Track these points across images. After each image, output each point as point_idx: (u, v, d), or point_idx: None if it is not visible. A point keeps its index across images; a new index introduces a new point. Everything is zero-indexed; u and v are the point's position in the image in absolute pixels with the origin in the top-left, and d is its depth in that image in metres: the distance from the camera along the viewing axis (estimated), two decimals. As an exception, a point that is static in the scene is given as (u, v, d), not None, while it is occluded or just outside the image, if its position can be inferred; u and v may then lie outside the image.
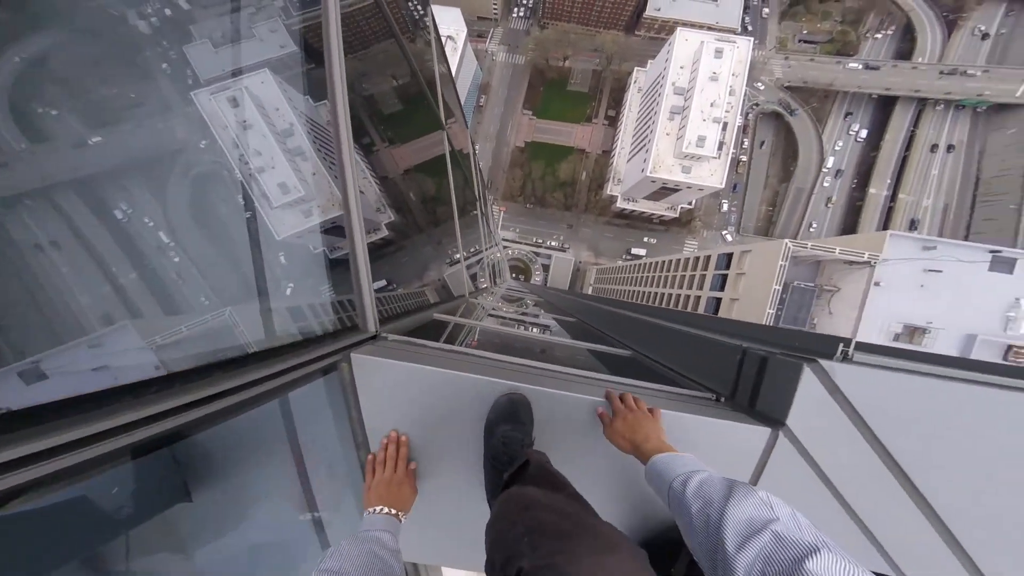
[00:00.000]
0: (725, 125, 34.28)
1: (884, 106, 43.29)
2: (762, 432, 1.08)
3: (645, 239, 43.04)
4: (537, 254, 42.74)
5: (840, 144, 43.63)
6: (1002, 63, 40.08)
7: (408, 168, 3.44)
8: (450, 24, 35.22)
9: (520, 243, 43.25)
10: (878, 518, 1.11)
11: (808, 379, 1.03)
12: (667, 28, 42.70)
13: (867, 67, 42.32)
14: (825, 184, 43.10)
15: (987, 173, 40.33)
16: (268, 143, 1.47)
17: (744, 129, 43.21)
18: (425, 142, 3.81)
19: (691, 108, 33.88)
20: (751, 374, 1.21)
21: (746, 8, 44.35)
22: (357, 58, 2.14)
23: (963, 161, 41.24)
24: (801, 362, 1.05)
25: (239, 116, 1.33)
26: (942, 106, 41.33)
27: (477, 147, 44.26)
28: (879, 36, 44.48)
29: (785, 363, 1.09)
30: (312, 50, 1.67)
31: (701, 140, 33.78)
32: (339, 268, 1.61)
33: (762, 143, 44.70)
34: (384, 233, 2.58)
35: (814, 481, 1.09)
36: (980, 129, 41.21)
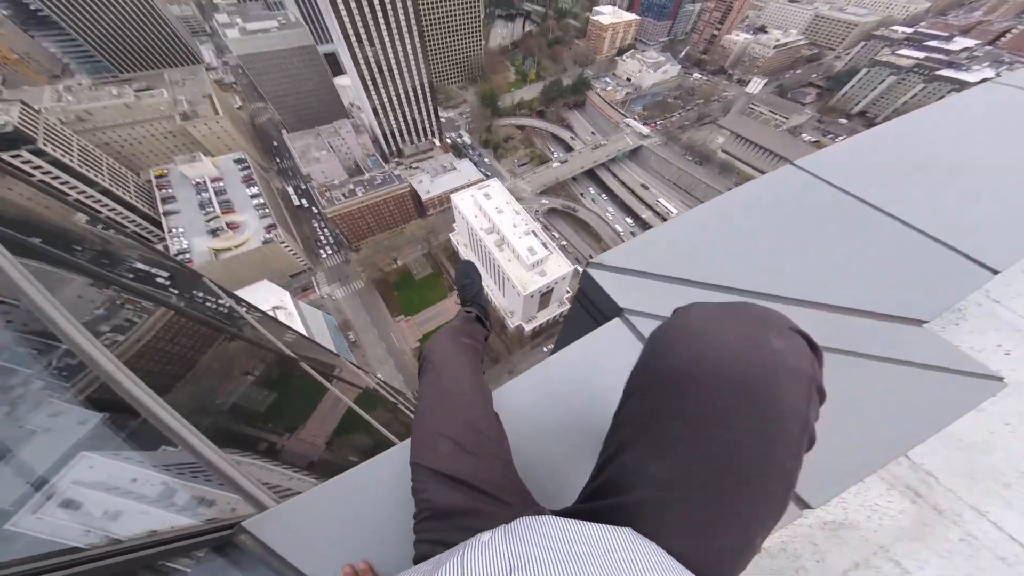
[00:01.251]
0: (535, 232, 43.59)
1: (591, 175, 63.78)
2: (616, 323, 1.17)
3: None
4: None
5: (596, 205, 60.91)
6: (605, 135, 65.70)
7: (327, 438, 3.10)
8: (268, 296, 34.51)
9: None
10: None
11: (599, 275, 1.22)
12: (444, 200, 52.39)
13: (561, 162, 62.02)
14: (618, 227, 57.85)
15: (673, 179, 62.89)
16: (153, 518, 1.20)
17: (547, 227, 54.93)
18: (324, 405, 3.45)
19: (506, 235, 40.60)
20: (587, 301, 1.32)
21: (476, 164, 60.70)
22: (189, 381, 1.95)
23: (655, 177, 62.74)
24: (585, 270, 1.28)
25: (94, 511, 1.04)
26: (612, 162, 64.28)
27: (379, 374, 43.15)
28: (549, 145, 68.32)
29: (585, 277, 1.29)
30: (124, 403, 1.20)
31: (531, 250, 40.92)
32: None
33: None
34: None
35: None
36: (640, 163, 64.47)
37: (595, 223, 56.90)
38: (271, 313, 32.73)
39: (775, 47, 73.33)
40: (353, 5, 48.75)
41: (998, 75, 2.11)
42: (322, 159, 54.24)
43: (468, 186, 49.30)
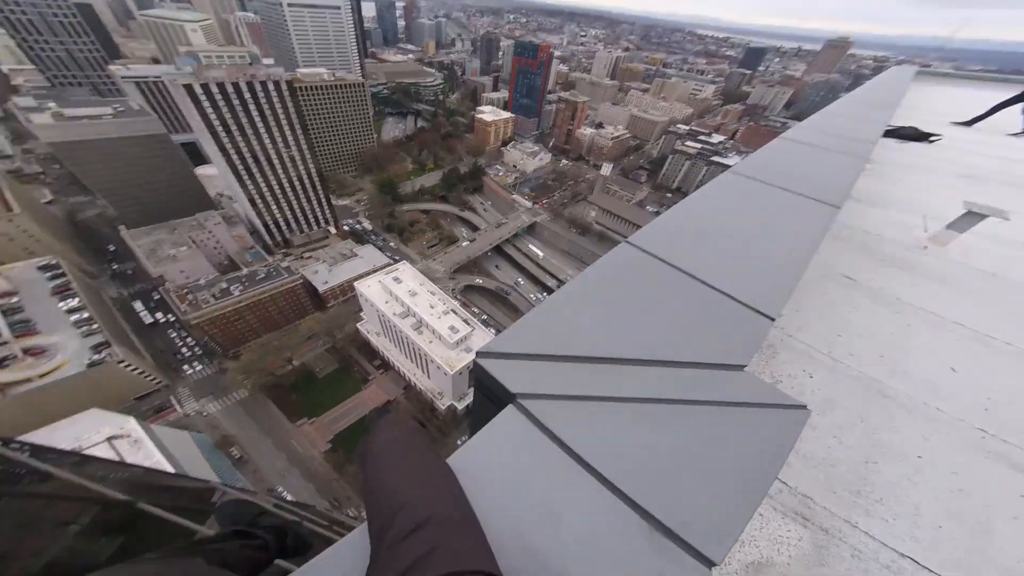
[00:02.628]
0: (454, 310, 42.58)
1: (499, 250, 68.17)
2: (510, 409, 1.12)
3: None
4: None
5: (507, 276, 64.66)
6: (505, 215, 73.06)
7: None
8: (97, 428, 25.53)
9: None
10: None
11: (490, 365, 1.18)
12: (347, 289, 48.23)
13: (470, 241, 66.26)
14: (532, 295, 61.36)
15: (567, 249, 71.14)
16: None
17: (465, 305, 54.44)
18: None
19: (423, 317, 38.83)
20: (482, 385, 1.27)
21: (381, 248, 59.17)
22: None
23: (555, 251, 70.17)
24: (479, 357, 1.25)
25: None
26: (513, 239, 69.82)
27: (280, 488, 33.23)
28: (456, 226, 71.92)
29: (476, 365, 1.24)
30: None
31: (453, 328, 39.66)
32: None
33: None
34: None
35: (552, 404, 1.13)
36: (537, 236, 71.90)
37: (513, 297, 58.61)
38: (105, 446, 23.96)
39: (611, 139, 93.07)
40: (219, 98, 45.37)
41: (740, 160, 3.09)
42: (180, 256, 45.45)
43: (374, 271, 46.84)
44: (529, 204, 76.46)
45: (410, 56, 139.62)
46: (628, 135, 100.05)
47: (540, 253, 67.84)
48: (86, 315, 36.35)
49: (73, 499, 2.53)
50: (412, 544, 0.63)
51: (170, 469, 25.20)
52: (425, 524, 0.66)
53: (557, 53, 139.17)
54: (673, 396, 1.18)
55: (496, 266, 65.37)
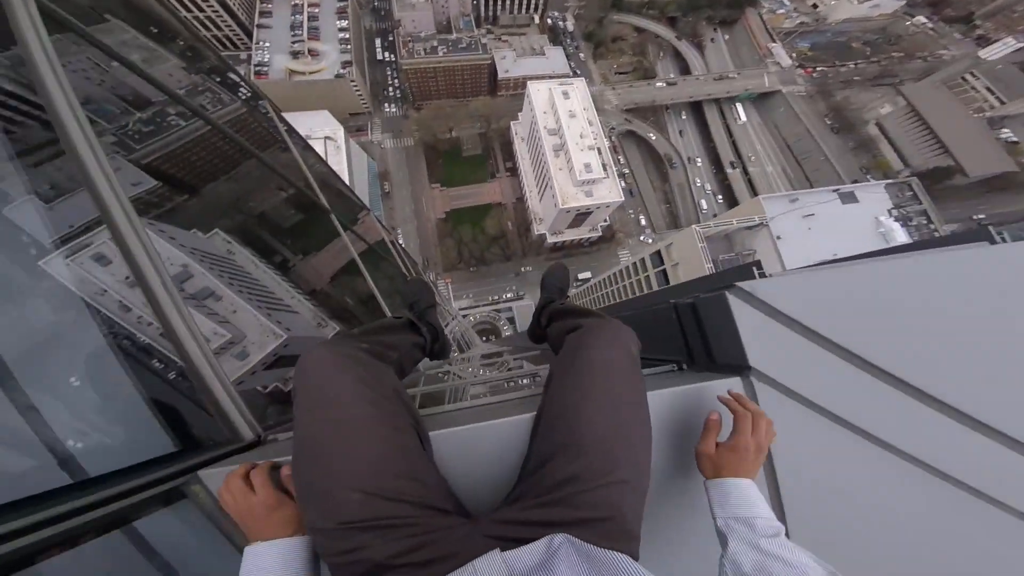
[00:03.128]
0: (599, 149, 38.54)
1: (696, 108, 54.58)
2: (734, 383, 0.96)
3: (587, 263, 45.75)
4: (498, 311, 42.82)
5: (683, 141, 53.26)
6: (740, 68, 54.73)
7: (334, 273, 3.27)
8: (324, 126, 36.03)
9: (478, 307, 43.36)
10: (887, 426, 0.95)
11: (739, 308, 0.96)
12: (520, 84, 48.65)
13: (668, 84, 53.32)
14: (696, 177, 51.05)
15: (790, 140, 51.87)
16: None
17: (615, 149, 49.79)
18: (339, 243, 3.59)
19: (567, 143, 38.03)
20: (693, 328, 1.12)
21: (568, 56, 53.82)
22: (233, 178, 2.13)
23: (771, 134, 52.66)
24: (722, 292, 0.98)
25: (117, 273, 1.08)
26: (729, 102, 53.62)
27: (399, 230, 44.37)
28: (663, 60, 57.34)
29: (709, 301, 1.04)
30: (176, 179, 1.56)
31: (587, 167, 37.50)
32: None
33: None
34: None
35: (808, 415, 0.96)
36: (764, 112, 53.99)
37: (676, 172, 50.65)
38: (323, 142, 34.22)
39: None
40: None
41: None
42: (417, 7, 50.86)
43: (551, 77, 45.25)
44: (788, 63, 54.09)
45: None
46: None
47: (755, 139, 51.33)
48: (347, 36, 45.79)
49: (288, 170, 3.17)
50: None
51: (347, 179, 34.51)
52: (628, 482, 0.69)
53: None
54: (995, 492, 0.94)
55: (680, 132, 53.35)
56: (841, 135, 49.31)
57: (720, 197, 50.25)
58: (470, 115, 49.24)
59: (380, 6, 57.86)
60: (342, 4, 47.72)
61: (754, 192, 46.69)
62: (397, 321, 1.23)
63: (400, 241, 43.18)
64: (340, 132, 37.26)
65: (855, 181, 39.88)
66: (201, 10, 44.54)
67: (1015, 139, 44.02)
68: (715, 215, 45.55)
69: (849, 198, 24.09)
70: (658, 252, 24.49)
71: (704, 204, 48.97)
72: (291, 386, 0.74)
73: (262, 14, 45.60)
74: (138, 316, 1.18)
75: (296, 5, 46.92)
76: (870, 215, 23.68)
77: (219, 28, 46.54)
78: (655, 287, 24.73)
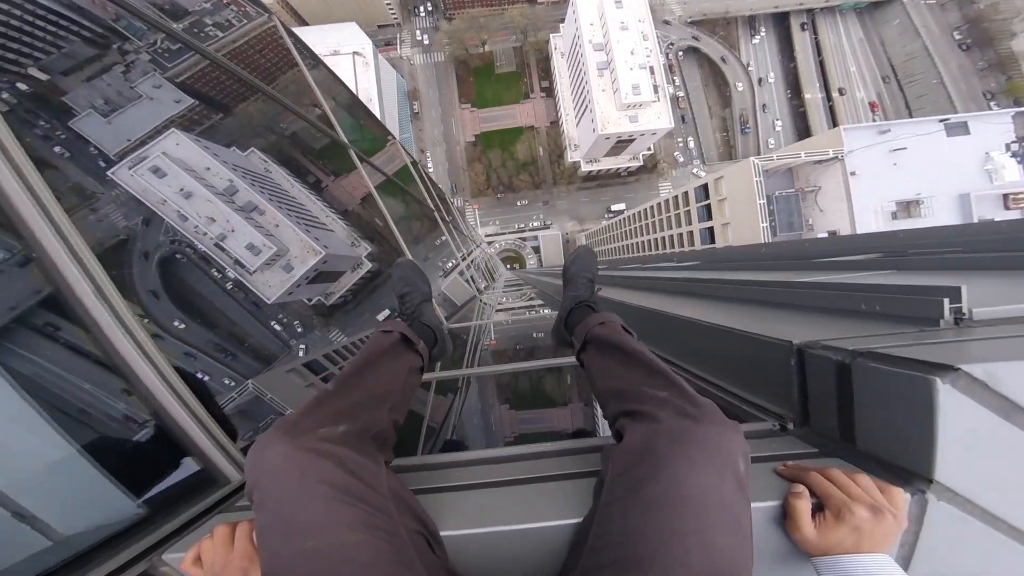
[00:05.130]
0: (652, 69, 34.13)
1: (781, 21, 45.83)
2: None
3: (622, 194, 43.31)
4: (524, 239, 42.45)
5: (756, 61, 45.59)
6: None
7: (365, 195, 3.37)
8: (351, 40, 33.84)
9: (504, 234, 43.04)
10: None
11: (951, 402, 0.57)
12: None
13: None
14: (763, 102, 44.73)
15: (897, 60, 43.44)
16: (217, 207, 1.34)
17: (671, 68, 44.01)
18: (371, 164, 3.76)
19: (615, 60, 33.63)
20: (827, 393, 0.73)
21: None
22: (262, 99, 2.15)
23: (872, 54, 44.23)
24: (928, 376, 0.57)
25: (173, 185, 1.18)
26: (828, 12, 44.37)
27: (427, 153, 43.29)
28: None
29: (891, 377, 0.62)
30: (212, 98, 1.59)
31: (636, 88, 33.59)
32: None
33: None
34: (368, 266, 2.59)
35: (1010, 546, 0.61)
36: (870, 25, 44.83)
37: (729, 70, 43.38)
38: (351, 58, 32.47)
39: None
40: None
41: None
42: None
43: None
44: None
45: None
46: None
47: (850, 60, 43.80)
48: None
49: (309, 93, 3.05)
50: None
51: (375, 104, 32.76)
52: None
53: None
54: None
55: (750, 44, 45.90)
56: (970, 52, 40.79)
57: (780, 124, 44.54)
58: (505, 25, 44.39)
59: None
60: None
61: (833, 123, 41.19)
62: (385, 341, 0.95)
63: (430, 166, 42.39)
64: (368, 47, 35.00)
65: (970, 111, 33.83)
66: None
67: None
68: (774, 146, 41.03)
69: (958, 129, 20.48)
70: (704, 186, 22.88)
71: (772, 141, 43.69)
72: (246, 486, 0.57)
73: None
74: (195, 226, 1.29)
75: None
76: (980, 150, 20.27)
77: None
78: (696, 223, 23.52)
